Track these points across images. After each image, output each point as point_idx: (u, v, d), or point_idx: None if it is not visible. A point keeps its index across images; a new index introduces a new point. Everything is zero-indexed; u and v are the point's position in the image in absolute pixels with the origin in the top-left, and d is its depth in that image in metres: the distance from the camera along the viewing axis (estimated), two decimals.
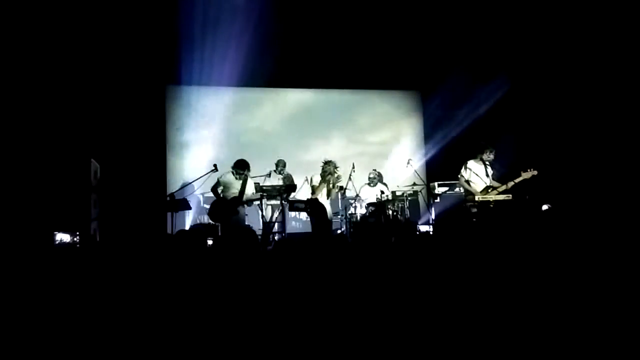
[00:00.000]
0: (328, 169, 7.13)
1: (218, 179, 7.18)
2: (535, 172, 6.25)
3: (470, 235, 6.09)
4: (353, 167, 8.01)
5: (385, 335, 2.57)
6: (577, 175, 7.49)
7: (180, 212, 7.82)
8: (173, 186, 8.51)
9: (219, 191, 7.12)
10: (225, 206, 6.99)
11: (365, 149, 10.01)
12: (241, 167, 7.02)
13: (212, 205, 7.22)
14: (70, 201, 6.53)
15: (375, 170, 8.45)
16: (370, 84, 10.07)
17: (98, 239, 7.40)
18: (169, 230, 6.82)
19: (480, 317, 2.82)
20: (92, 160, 7.51)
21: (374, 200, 7.88)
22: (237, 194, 7.02)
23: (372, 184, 8.25)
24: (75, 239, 4.97)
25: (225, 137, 9.10)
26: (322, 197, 7.16)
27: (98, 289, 2.74)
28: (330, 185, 7.15)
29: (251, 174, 7.70)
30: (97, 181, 7.71)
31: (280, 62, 9.06)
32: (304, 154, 9.51)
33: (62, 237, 4.97)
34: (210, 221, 7.27)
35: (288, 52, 8.95)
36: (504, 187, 6.39)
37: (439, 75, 9.39)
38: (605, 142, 7.23)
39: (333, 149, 9.48)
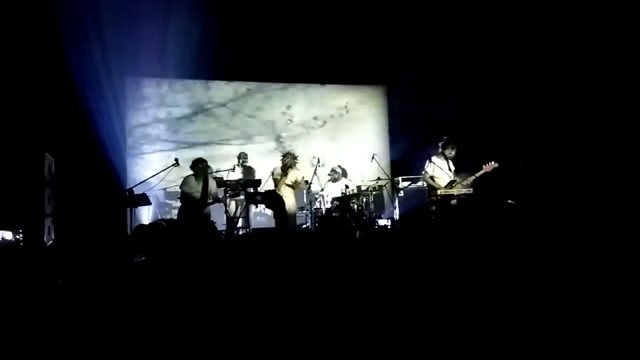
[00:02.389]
0: (287, 161, 7.08)
1: (181, 188, 6.98)
2: (497, 165, 6.35)
3: (433, 228, 6.16)
4: (319, 162, 7.97)
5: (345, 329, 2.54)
6: (541, 170, 7.65)
7: (140, 208, 7.60)
8: (132, 181, 8.26)
9: (183, 198, 6.94)
10: (191, 209, 6.82)
11: (330, 145, 9.98)
12: (195, 164, 6.88)
13: (180, 209, 7.03)
14: (21, 197, 6.22)
15: (339, 166, 8.45)
16: (336, 79, 10.04)
17: (53, 236, 7.12)
18: (127, 225, 6.60)
19: (445, 308, 2.82)
20: (46, 153, 7.20)
21: (339, 195, 7.86)
22: (199, 197, 6.85)
23: (333, 180, 8.23)
24: (18, 237, 4.69)
25: (187, 129, 8.90)
26: (285, 190, 7.10)
27: (41, 290, 2.60)
28: (294, 179, 7.10)
29: (214, 167, 7.57)
30: (51, 176, 7.41)
31: (244, 55, 8.93)
32: (266, 149, 9.39)
33: (4, 235, 4.67)
34: (173, 217, 7.09)
35: (251, 46, 8.82)
36: (466, 181, 6.47)
37: (405, 69, 9.44)
38: (571, 137, 7.38)
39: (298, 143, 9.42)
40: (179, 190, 7.03)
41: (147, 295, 2.90)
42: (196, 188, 6.88)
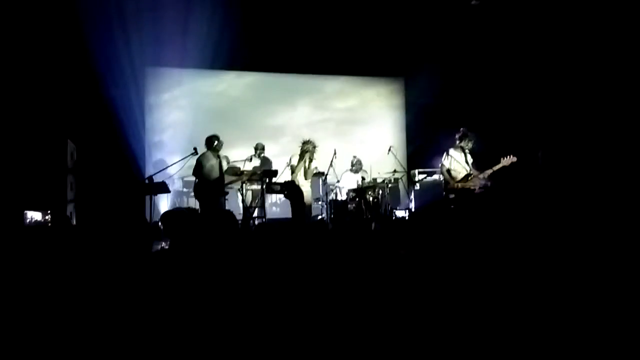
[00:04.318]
0: (306, 148, 7.10)
1: (199, 161, 6.89)
2: (515, 159, 6.28)
3: (449, 222, 6.14)
4: (335, 153, 7.98)
5: (362, 326, 2.57)
6: (562, 165, 7.57)
7: (158, 196, 7.71)
8: (151, 169, 8.37)
9: (202, 172, 6.91)
10: (212, 186, 6.81)
11: (346, 137, 9.99)
12: (212, 141, 6.88)
13: (198, 186, 6.92)
14: (45, 182, 6.38)
15: (355, 156, 8.44)
16: (353, 70, 10.02)
17: (74, 222, 7.28)
18: (147, 213, 6.71)
19: (459, 307, 2.83)
20: (68, 140, 7.35)
21: (355, 187, 7.88)
22: (218, 175, 6.87)
23: (353, 170, 8.25)
24: (46, 217, 4.83)
25: (205, 119, 8.97)
26: (301, 178, 7.13)
27: (72, 270, 2.68)
28: (306, 165, 7.12)
29: (231, 158, 7.62)
30: (73, 163, 7.56)
31: (262, 46, 8.96)
32: (282, 140, 9.43)
33: (33, 215, 4.81)
34: (191, 205, 7.16)
35: (270, 37, 8.85)
36: (483, 175, 6.43)
37: (423, 62, 9.37)
38: (592, 131, 7.28)
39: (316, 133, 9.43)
40: (196, 165, 6.88)
41: (165, 284, 2.95)
42: (216, 164, 6.87)
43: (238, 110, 9.53)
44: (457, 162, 6.58)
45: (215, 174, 6.84)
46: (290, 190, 6.93)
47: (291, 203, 7.03)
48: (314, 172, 7.30)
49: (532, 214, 6.39)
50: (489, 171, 6.39)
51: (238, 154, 8.10)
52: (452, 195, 6.52)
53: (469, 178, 6.48)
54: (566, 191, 7.19)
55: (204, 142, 7.03)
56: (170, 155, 8.31)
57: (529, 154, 7.27)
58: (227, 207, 7.32)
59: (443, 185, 6.94)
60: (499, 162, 6.34)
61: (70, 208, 7.19)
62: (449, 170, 6.62)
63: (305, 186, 7.11)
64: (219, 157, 6.91)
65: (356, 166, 8.28)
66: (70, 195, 7.24)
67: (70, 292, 2.41)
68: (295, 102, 9.96)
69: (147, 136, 8.96)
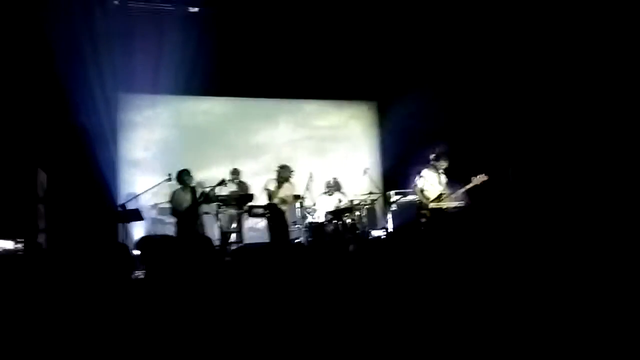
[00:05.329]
0: (284, 174, 7.13)
1: (171, 203, 7.05)
2: (486, 178, 6.41)
3: (423, 242, 6.21)
4: (311, 177, 8.02)
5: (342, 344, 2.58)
6: (532, 182, 7.71)
7: (132, 224, 7.58)
8: (125, 196, 8.24)
9: (177, 211, 6.98)
10: (188, 221, 6.88)
11: (322, 159, 10.07)
12: (181, 176, 6.93)
13: (178, 224, 7.06)
14: (15, 212, 6.22)
15: (334, 178, 8.42)
16: (327, 94, 10.15)
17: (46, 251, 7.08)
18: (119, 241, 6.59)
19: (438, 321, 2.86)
20: (39, 169, 7.20)
21: (332, 209, 7.91)
22: (189, 206, 6.89)
23: (328, 193, 8.24)
24: (17, 246, 4.68)
25: (179, 145, 8.92)
26: (279, 203, 7.16)
27: (45, 298, 2.62)
28: (284, 191, 7.16)
29: (207, 182, 7.60)
30: (44, 192, 7.40)
31: (234, 71, 9.04)
32: (257, 166, 9.45)
33: (4, 244, 4.65)
34: (166, 233, 7.09)
35: (242, 62, 8.94)
36: (455, 194, 6.53)
37: (397, 85, 9.57)
38: (562, 147, 7.43)
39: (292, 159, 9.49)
40: (169, 206, 7.06)
41: (145, 312, 2.91)
42: (187, 199, 6.93)
43: (217, 131, 9.54)
44: (430, 183, 6.68)
45: (187, 205, 6.89)
46: (273, 212, 6.96)
47: (272, 225, 7.03)
48: (292, 199, 7.34)
49: (505, 231, 6.50)
50: (461, 190, 6.50)
51: (219, 172, 8.03)
52: (423, 219, 6.60)
53: (442, 197, 6.58)
54: (537, 208, 7.34)
55: (178, 170, 7.04)
56: (144, 182, 8.21)
57: (500, 171, 7.41)
58: (204, 232, 7.25)
59: (417, 205, 7.01)
60: (470, 181, 6.47)
61: (41, 238, 7.00)
62: (422, 191, 6.71)
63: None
64: (191, 189, 6.93)
65: (331, 189, 8.26)
66: (41, 224, 7.07)
67: (46, 322, 2.36)
68: (270, 126, 10.01)
69: (120, 163, 8.85)
